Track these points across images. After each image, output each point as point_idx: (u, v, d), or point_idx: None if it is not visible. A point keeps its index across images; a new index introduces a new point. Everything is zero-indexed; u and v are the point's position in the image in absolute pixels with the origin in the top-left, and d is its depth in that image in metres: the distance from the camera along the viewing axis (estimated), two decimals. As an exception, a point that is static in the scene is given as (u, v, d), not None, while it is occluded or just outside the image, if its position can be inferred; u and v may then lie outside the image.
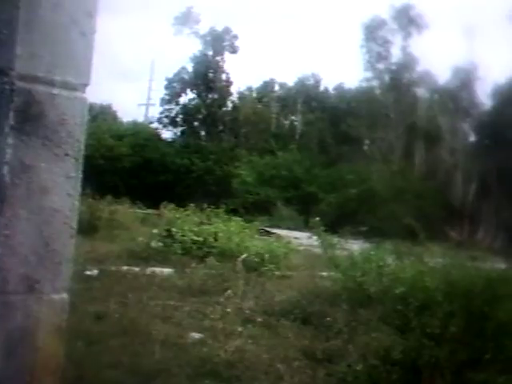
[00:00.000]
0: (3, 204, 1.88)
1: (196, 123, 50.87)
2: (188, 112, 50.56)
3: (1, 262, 1.91)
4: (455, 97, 46.36)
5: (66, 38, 2.01)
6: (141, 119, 56.04)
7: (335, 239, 13.75)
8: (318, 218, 13.79)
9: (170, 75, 51.17)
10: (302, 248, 19.34)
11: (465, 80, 46.38)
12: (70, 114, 2.05)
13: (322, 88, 52.94)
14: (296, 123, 52.11)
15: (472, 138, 48.78)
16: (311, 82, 52.84)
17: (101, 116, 54.06)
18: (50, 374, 2.06)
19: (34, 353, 2.01)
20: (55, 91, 1.99)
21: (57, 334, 2.08)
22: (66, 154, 2.05)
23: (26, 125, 1.92)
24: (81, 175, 2.10)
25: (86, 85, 2.10)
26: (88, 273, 12.52)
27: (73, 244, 2.10)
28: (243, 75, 70.97)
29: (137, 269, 13.60)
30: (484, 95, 47.08)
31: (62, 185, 2.03)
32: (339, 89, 52.63)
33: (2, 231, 1.90)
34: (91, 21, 2.08)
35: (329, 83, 53.63)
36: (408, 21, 48.36)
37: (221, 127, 50.16)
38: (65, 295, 2.10)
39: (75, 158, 2.08)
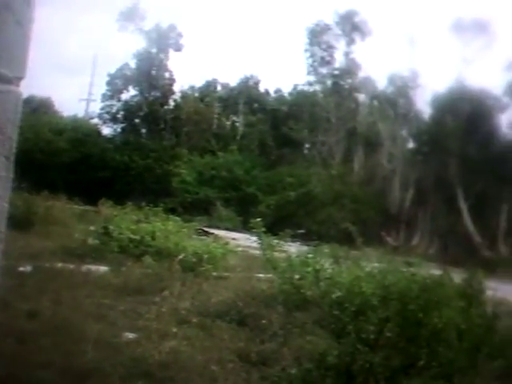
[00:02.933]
0: None
1: (137, 120, 50.52)
2: (129, 109, 50.19)
3: None
4: (395, 103, 46.96)
5: (0, 27, 1.86)
6: (81, 114, 55.39)
7: (274, 241, 13.74)
8: (259, 219, 13.76)
9: (113, 71, 50.77)
10: (239, 249, 19.32)
11: (404, 87, 47.02)
12: (2, 109, 1.90)
13: (262, 90, 53.11)
14: (237, 124, 52.14)
15: (410, 145, 49.48)
16: (252, 83, 52.94)
17: (41, 109, 53.25)
18: None
19: None
20: None
21: None
22: None
23: None
24: (12, 175, 1.94)
25: (20, 78, 1.94)
26: (21, 269, 12.26)
27: (1, 249, 1.94)
28: (186, 74, 70.61)
29: (72, 266, 13.38)
30: (424, 103, 47.84)
31: None
32: (281, 91, 52.89)
33: None
34: (28, 9, 1.92)
35: (271, 86, 53.91)
36: (352, 27, 48.88)
37: (162, 125, 49.90)
38: None
39: (6, 157, 1.92)
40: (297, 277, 11.29)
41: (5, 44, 1.88)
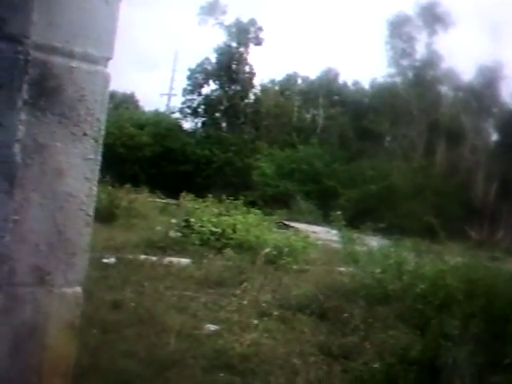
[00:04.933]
0: (13, 186, 1.70)
1: (217, 114, 50.78)
2: (210, 103, 50.50)
3: (9, 251, 1.72)
4: (479, 95, 46.02)
5: (87, 6, 1.82)
6: (163, 109, 56.09)
7: (355, 234, 13.62)
8: (339, 212, 13.67)
9: (194, 65, 51.19)
10: (320, 242, 19.23)
11: (489, 79, 46.03)
12: (90, 90, 1.86)
13: (342, 82, 52.71)
14: (318, 117, 51.89)
15: (494, 137, 48.44)
16: (332, 76, 52.59)
17: (123, 104, 54.20)
18: (59, 376, 1.88)
19: (43, 352, 1.83)
20: (74, 64, 1.81)
21: (68, 331, 1.88)
22: (85, 134, 1.86)
23: (40, 100, 1.74)
24: (100, 157, 1.90)
25: (108, 58, 1.90)
26: (105, 261, 12.49)
27: (89, 233, 1.88)
28: (266, 67, 70.72)
29: (154, 258, 13.55)
30: (508, 94, 46.75)
31: (78, 167, 1.84)
32: (360, 83, 52.41)
33: (12, 216, 1.71)
34: None
35: (351, 78, 53.44)
36: (433, 18, 48.06)
37: (242, 119, 50.03)
38: (78, 289, 1.90)
39: (94, 139, 1.88)
40: (378, 270, 11.15)
41: (92, 23, 1.84)
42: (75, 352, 1.92)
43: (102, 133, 1.89)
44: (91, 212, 1.89)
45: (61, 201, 1.83)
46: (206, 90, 51.38)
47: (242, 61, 50.42)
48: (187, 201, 22.91)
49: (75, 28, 1.81)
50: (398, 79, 49.76)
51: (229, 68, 49.85)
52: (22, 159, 1.73)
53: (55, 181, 1.81)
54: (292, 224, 26.53)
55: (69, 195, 1.85)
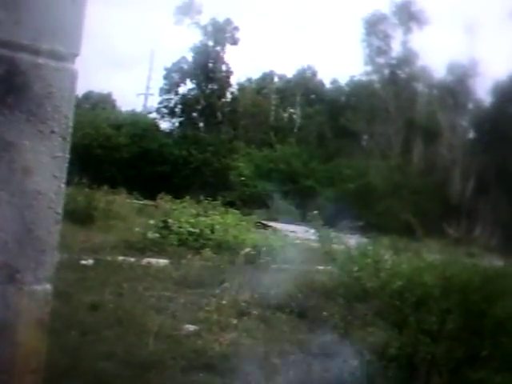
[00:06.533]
0: None
1: (195, 114, 50.70)
2: (187, 102, 50.40)
3: (-23, 249, 1.71)
4: (455, 93, 46.29)
5: (54, 3, 1.81)
6: (139, 109, 55.89)
7: (333, 233, 13.64)
8: (316, 212, 13.69)
9: (170, 65, 51.06)
10: (298, 242, 19.28)
11: (464, 76, 46.33)
12: (58, 87, 1.85)
13: (319, 81, 52.82)
14: (295, 116, 51.98)
15: (471, 135, 48.73)
16: (309, 74, 52.73)
17: (100, 105, 53.95)
18: (30, 373, 1.87)
19: (13, 349, 1.82)
20: (41, 61, 1.80)
21: (38, 329, 1.90)
22: (52, 132, 1.85)
23: (8, 97, 1.74)
24: (68, 155, 1.89)
25: (75, 55, 1.90)
26: (83, 262, 12.45)
27: (58, 231, 1.90)
28: (243, 66, 70.65)
29: (132, 259, 13.55)
30: (484, 92, 47.09)
31: (46, 165, 1.84)
32: (338, 82, 52.56)
33: None
34: None
35: (328, 77, 53.64)
36: (409, 16, 48.38)
37: (219, 118, 50.01)
38: (48, 286, 1.89)
39: (62, 136, 1.87)
40: (356, 268, 11.18)
41: (59, 21, 1.83)
42: (45, 349, 1.92)
43: (70, 130, 1.87)
44: (60, 210, 1.89)
45: (29, 199, 1.82)
46: (182, 90, 51.34)
47: (218, 60, 50.39)
48: (165, 202, 22.90)
49: (42, 25, 1.80)
50: (374, 77, 50.01)
51: (205, 67, 49.79)
52: None
53: (23, 179, 1.80)
54: (270, 224, 26.56)
55: (37, 193, 1.84)
